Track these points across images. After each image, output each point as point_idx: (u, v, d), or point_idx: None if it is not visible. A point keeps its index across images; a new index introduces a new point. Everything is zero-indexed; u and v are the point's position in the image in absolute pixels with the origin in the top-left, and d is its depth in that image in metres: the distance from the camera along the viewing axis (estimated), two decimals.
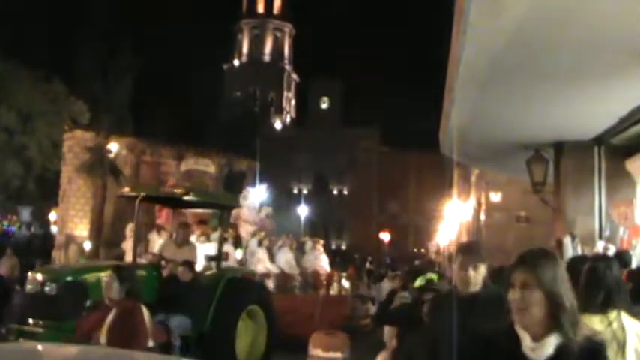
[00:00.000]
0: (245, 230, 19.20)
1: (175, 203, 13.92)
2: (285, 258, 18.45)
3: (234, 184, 24.12)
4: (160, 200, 14.45)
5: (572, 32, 6.91)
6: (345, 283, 20.40)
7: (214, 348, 11.14)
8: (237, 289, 12.14)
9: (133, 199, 12.07)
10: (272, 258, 18.32)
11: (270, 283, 17.02)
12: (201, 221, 18.89)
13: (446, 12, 8.99)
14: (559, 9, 6.42)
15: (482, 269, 4.69)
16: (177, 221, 19.62)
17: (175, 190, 12.92)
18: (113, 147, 19.24)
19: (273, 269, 17.84)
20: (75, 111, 42.14)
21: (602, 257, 5.77)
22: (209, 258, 14.16)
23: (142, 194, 12.07)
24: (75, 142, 34.71)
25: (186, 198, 12.18)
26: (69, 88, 42.77)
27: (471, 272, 4.55)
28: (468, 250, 4.84)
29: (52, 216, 53.64)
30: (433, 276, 9.43)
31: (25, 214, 60.95)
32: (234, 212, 19.87)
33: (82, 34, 52.58)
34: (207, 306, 11.41)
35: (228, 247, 17.09)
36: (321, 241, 20.41)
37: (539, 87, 9.00)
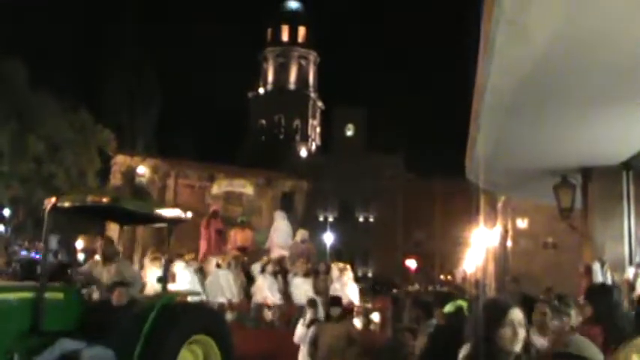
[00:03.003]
0: (277, 256, 17.60)
1: (105, 215, 12.48)
2: (299, 287, 16.11)
3: (290, 205, 22.09)
4: (84, 210, 12.15)
5: (599, 57, 6.90)
6: (375, 317, 16.87)
7: None
8: (176, 315, 10.47)
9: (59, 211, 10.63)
10: (285, 286, 16.39)
11: (270, 316, 15.46)
12: (241, 248, 18.08)
13: (472, 38, 9.01)
14: (585, 34, 6.42)
15: None
16: (218, 245, 18.92)
17: (102, 199, 10.81)
18: (140, 170, 18.58)
19: (275, 300, 15.86)
20: (102, 140, 42.67)
21: None
22: (157, 279, 12.39)
23: (51, 203, 10.26)
24: (117, 168, 34.84)
25: (128, 206, 10.52)
26: (95, 118, 43.33)
27: None
28: None
29: (79, 244, 53.93)
30: (463, 303, 9.22)
31: (53, 241, 61.36)
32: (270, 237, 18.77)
33: (107, 64, 53.36)
34: (137, 335, 9.69)
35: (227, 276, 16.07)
36: (348, 267, 17.65)
37: (565, 112, 8.97)
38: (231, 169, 21.39)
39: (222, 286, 15.89)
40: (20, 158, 38.23)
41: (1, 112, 37.36)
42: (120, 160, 25.04)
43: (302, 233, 18.45)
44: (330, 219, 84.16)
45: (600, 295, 6.72)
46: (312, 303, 12.34)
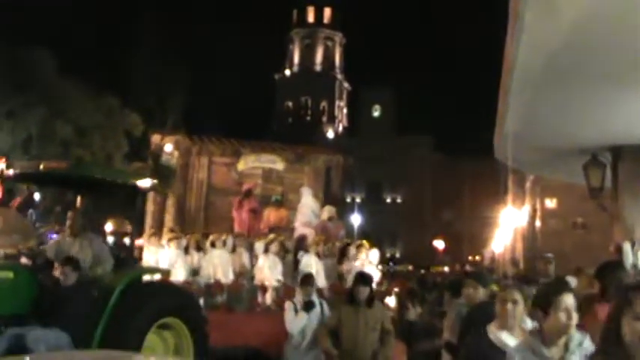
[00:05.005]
0: (299, 234, 16.35)
1: (64, 184, 11.61)
2: (309, 268, 14.09)
3: (329, 181, 20.16)
4: (39, 178, 11.37)
5: (630, 32, 6.76)
6: (391, 302, 15.49)
7: None
8: (142, 295, 9.56)
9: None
10: (293, 266, 14.98)
11: (267, 299, 14.28)
12: (275, 228, 17.01)
13: (500, 16, 8.89)
14: (615, 9, 6.29)
15: None
16: (251, 225, 17.10)
17: (57, 165, 10.10)
18: (168, 148, 17.67)
19: (272, 281, 14.48)
20: (129, 123, 43.00)
21: None
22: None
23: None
24: (154, 147, 34.49)
25: (86, 173, 9.84)
26: (123, 101, 43.64)
27: None
28: None
29: (108, 227, 54.41)
30: (494, 286, 9.00)
31: None
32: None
33: (134, 48, 53.64)
34: (97, 317, 8.85)
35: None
36: (366, 244, 16.06)
37: (595, 89, 8.83)
38: (258, 144, 19.77)
39: (215, 266, 14.88)
40: (48, 142, 38.55)
41: (30, 97, 37.70)
42: (155, 140, 24.85)
43: (329, 210, 17.20)
44: (358, 200, 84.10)
45: (610, 272, 6.62)
46: (307, 280, 10.13)
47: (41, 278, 9.09)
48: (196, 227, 17.35)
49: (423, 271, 52.94)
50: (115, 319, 8.90)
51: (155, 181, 11.34)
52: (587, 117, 10.54)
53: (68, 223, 10.00)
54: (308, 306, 9.55)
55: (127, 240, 15.29)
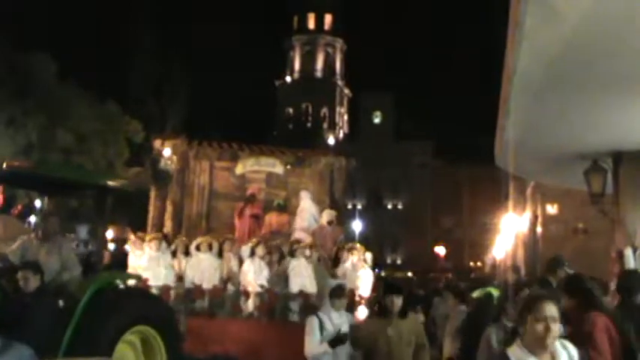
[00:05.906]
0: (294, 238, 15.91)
1: (28, 184, 11.46)
2: (294, 272, 14.16)
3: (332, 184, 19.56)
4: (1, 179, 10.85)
5: (630, 39, 6.76)
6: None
7: None
8: (111, 303, 9.00)
9: None
10: (280, 272, 14.68)
11: (250, 305, 13.91)
12: (276, 233, 16.88)
13: (500, 23, 8.90)
14: (616, 14, 6.29)
15: None
16: (252, 230, 16.73)
17: (20, 164, 9.64)
18: (166, 152, 17.24)
19: (256, 287, 14.05)
20: (130, 130, 43.12)
21: None
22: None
23: None
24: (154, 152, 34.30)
25: (50, 173, 9.56)
26: (123, 109, 43.73)
27: None
28: None
29: (109, 234, 54.30)
30: (493, 290, 8.98)
31: (83, 232, 61.88)
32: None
33: (135, 55, 53.73)
34: (64, 326, 8.29)
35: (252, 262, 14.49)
36: (359, 250, 15.40)
37: (596, 96, 8.83)
38: (257, 147, 19.16)
39: (201, 271, 14.57)
40: (49, 150, 38.57)
41: (30, 104, 37.73)
42: (156, 145, 24.58)
43: (329, 214, 16.56)
44: (359, 207, 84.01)
45: (578, 284, 6.59)
46: (338, 291, 8.15)
47: (3, 284, 8.53)
48: (198, 233, 17.16)
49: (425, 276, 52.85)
50: (82, 328, 8.45)
51: (123, 181, 11.03)
52: (588, 123, 10.52)
53: (38, 226, 9.51)
54: (336, 342, 7.65)
55: (127, 247, 15.13)
